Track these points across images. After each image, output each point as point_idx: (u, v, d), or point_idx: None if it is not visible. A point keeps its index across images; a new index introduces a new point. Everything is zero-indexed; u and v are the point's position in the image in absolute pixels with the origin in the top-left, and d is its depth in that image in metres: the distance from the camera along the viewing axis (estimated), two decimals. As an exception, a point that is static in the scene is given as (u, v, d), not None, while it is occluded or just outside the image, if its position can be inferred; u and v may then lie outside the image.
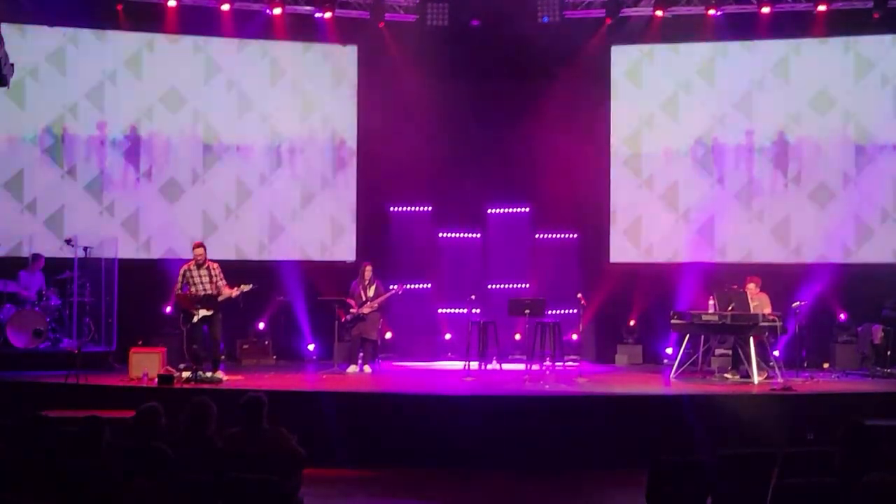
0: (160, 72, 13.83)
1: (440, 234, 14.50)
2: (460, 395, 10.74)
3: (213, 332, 11.22)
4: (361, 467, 9.51)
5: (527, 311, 12.01)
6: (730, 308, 11.40)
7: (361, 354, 12.40)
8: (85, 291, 12.55)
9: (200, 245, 11.44)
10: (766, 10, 13.39)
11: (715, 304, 11.65)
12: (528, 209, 14.50)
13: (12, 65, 10.81)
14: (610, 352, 13.98)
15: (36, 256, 12.80)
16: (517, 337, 13.84)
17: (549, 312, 12.27)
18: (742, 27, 13.79)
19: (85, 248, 12.37)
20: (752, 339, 11.22)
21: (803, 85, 13.84)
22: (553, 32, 13.98)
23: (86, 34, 13.57)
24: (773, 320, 11.33)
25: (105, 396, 10.09)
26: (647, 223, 14.25)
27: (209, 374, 10.80)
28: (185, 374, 10.69)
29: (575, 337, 13.24)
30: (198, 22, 13.78)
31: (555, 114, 13.84)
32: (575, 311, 12.60)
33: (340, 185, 14.44)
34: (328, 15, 13.81)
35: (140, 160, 13.75)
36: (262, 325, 13.74)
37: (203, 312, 11.09)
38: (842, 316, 13.23)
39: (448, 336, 14.09)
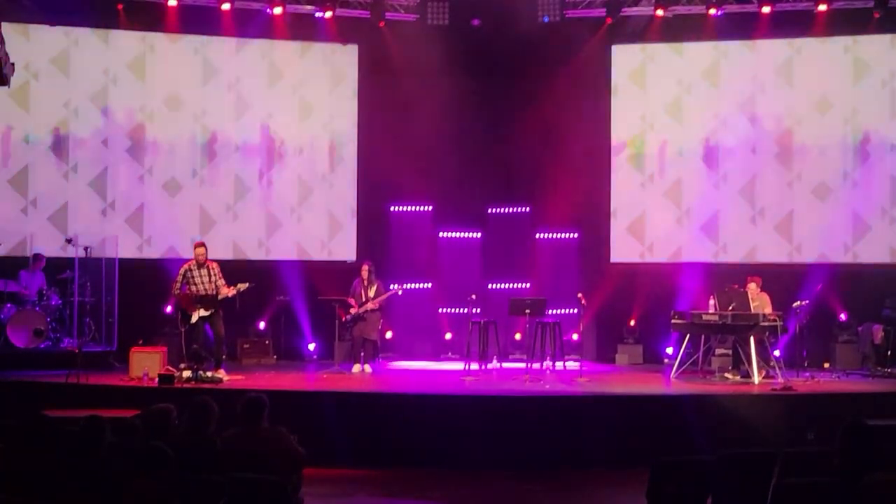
0: (161, 71, 13.84)
1: (440, 234, 14.50)
2: (460, 395, 10.74)
3: (216, 330, 11.25)
4: (361, 467, 9.51)
5: (527, 311, 12.00)
6: (730, 308, 11.40)
7: (362, 354, 12.41)
8: (85, 291, 12.55)
9: (202, 245, 11.45)
10: (766, 9, 13.39)
11: (715, 304, 11.65)
12: (528, 209, 14.49)
13: (13, 64, 10.82)
14: (610, 351, 13.98)
15: (37, 256, 12.81)
16: (517, 337, 13.84)
17: (550, 312, 12.27)
18: (743, 27, 13.79)
19: (85, 248, 12.36)
20: (752, 339, 11.21)
21: (804, 84, 13.84)
22: (553, 32, 14.01)
23: (87, 34, 13.57)
24: (774, 320, 11.31)
25: (106, 396, 10.09)
26: (648, 223, 14.25)
27: (210, 374, 10.80)
28: (186, 374, 10.69)
29: (575, 337, 13.24)
30: (198, 22, 13.78)
31: (555, 113, 13.85)
32: (575, 310, 12.59)
33: (341, 185, 14.44)
34: (328, 14, 13.81)
35: (141, 160, 13.75)
36: (262, 325, 13.74)
37: (202, 312, 11.11)
38: (842, 315, 13.23)
39: (448, 336, 14.09)
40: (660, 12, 13.68)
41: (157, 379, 10.50)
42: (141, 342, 12.12)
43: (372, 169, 14.29)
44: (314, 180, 14.37)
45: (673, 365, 12.18)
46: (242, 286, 11.18)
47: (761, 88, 13.97)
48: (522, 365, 12.23)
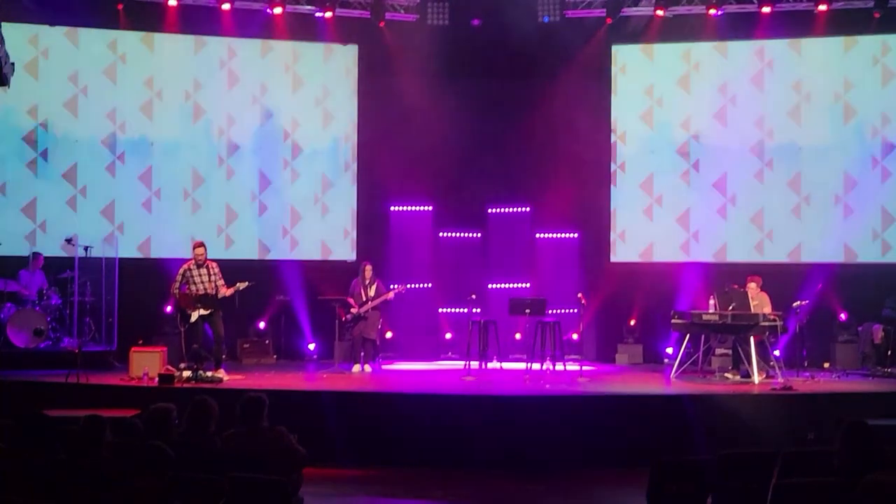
0: (160, 72, 13.82)
1: (440, 234, 14.50)
2: (460, 394, 10.74)
3: (216, 330, 11.24)
4: (361, 467, 9.52)
5: (527, 311, 12.01)
6: (730, 308, 11.40)
7: (362, 354, 12.41)
8: (85, 291, 12.55)
9: (201, 244, 11.44)
10: (766, 9, 13.37)
11: (715, 304, 11.65)
12: (528, 209, 14.49)
13: (13, 64, 10.82)
14: (610, 351, 13.98)
15: (36, 255, 12.80)
16: (517, 336, 13.83)
17: (550, 312, 12.26)
18: (743, 26, 13.79)
19: (85, 248, 12.37)
20: (752, 339, 11.21)
21: (804, 84, 13.83)
22: (553, 32, 13.98)
23: (85, 32, 13.57)
24: (774, 320, 11.31)
25: (106, 395, 10.12)
26: (648, 223, 14.24)
27: (210, 374, 10.81)
28: (186, 374, 10.69)
29: (575, 336, 13.25)
30: (198, 21, 13.77)
31: (555, 113, 13.84)
32: (575, 310, 12.60)
33: (341, 185, 14.43)
34: (329, 14, 13.81)
35: (141, 160, 13.73)
36: (262, 325, 13.74)
37: (201, 312, 11.10)
38: (842, 315, 13.22)
39: (448, 335, 14.09)
40: (660, 12, 13.68)
41: (157, 379, 10.51)
42: (141, 342, 12.14)
43: (372, 169, 14.29)
44: (314, 181, 14.35)
45: (673, 365, 12.17)
46: (242, 285, 11.19)
47: (762, 88, 13.96)
48: (522, 365, 12.23)
